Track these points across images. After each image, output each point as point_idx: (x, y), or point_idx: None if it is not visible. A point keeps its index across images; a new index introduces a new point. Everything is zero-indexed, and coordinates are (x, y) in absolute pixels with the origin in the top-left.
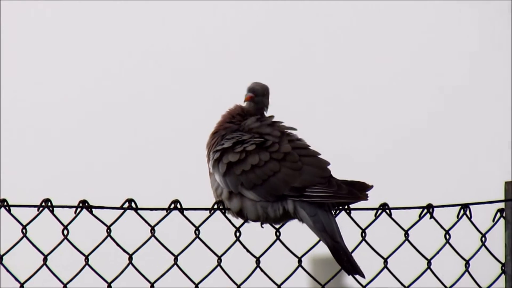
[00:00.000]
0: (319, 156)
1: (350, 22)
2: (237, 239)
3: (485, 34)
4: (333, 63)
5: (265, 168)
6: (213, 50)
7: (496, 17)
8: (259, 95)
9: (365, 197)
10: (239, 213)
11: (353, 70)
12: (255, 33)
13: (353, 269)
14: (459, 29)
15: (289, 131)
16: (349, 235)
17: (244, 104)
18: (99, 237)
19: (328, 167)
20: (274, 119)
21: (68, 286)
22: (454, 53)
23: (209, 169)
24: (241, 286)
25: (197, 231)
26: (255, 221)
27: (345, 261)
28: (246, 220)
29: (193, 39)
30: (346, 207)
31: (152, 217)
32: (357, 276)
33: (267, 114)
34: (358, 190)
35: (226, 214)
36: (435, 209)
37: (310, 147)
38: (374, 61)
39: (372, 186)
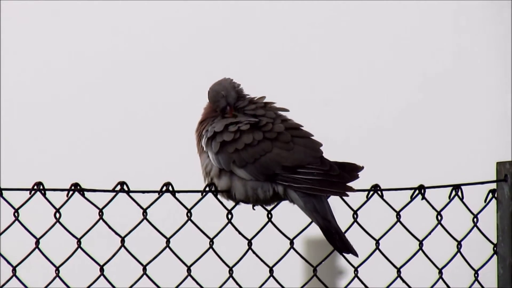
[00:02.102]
0: (312, 137)
1: (335, 9)
2: (229, 221)
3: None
4: (322, 48)
5: (258, 147)
6: (205, 33)
7: None
8: (232, 100)
9: (352, 189)
10: (227, 193)
11: (341, 53)
12: (244, 18)
13: (345, 248)
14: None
15: (281, 112)
16: (340, 216)
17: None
18: (91, 220)
19: (321, 148)
20: (266, 100)
21: (60, 269)
22: (445, 31)
23: (202, 147)
24: (233, 268)
25: (189, 214)
26: (242, 201)
27: (337, 240)
28: (236, 202)
29: (189, 29)
30: None
31: (144, 200)
32: (349, 258)
33: (247, 93)
34: (349, 171)
35: (218, 196)
36: (426, 190)
37: (302, 128)
38: (363, 44)
39: (362, 167)
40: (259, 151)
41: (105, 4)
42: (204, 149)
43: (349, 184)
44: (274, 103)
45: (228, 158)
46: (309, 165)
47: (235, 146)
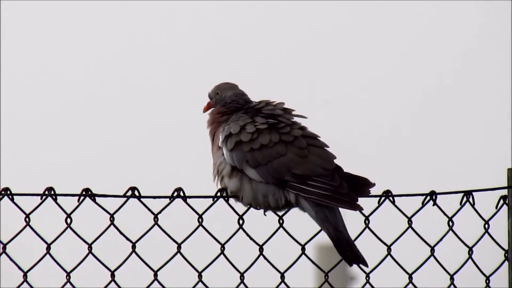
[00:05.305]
0: (327, 148)
1: (347, 10)
2: (240, 226)
3: (486, 19)
4: (331, 51)
5: (273, 149)
6: (210, 40)
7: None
8: (211, 98)
9: (360, 207)
10: (235, 195)
11: (350, 57)
12: (252, 23)
13: (356, 258)
14: (459, 8)
15: (298, 119)
16: (352, 222)
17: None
18: (102, 225)
19: (334, 160)
20: (285, 106)
21: (71, 274)
22: (455, 36)
23: (217, 145)
24: (244, 274)
25: (200, 219)
26: (250, 205)
27: (348, 251)
28: (244, 205)
29: (191, 31)
30: None
31: (155, 205)
32: (360, 265)
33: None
34: (361, 186)
35: (229, 202)
36: (438, 196)
37: (319, 138)
38: (372, 47)
39: (374, 184)
40: (273, 154)
41: (114, 5)
42: (220, 145)
43: (359, 200)
44: (293, 110)
45: (242, 156)
46: (319, 177)
47: (251, 145)
